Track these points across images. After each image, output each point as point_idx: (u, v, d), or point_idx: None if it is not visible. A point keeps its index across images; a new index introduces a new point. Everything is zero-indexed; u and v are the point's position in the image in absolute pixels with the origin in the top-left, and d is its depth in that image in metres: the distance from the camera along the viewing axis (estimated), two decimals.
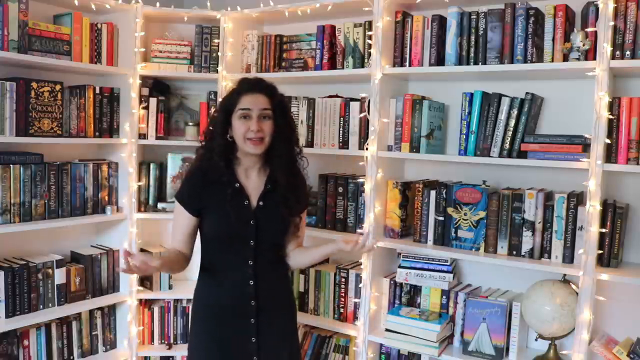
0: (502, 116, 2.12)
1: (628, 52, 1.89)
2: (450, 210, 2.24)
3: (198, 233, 1.93)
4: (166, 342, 2.88)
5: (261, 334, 1.87)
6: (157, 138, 2.82)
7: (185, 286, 2.87)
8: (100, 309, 2.75)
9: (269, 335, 1.88)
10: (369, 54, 2.39)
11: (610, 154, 1.93)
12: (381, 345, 2.44)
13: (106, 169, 2.72)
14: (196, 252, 1.95)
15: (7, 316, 2.36)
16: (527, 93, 2.13)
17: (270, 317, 1.89)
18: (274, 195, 1.88)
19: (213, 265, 1.90)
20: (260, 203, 1.88)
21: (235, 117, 1.84)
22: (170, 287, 2.86)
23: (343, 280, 2.52)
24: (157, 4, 2.75)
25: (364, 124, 2.43)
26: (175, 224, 1.92)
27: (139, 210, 2.79)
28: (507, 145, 2.12)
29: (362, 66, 2.46)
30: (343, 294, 2.52)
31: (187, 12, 2.80)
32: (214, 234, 1.88)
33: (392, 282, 2.42)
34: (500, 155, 2.13)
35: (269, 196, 1.89)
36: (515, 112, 2.11)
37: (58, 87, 2.43)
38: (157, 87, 2.89)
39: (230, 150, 1.87)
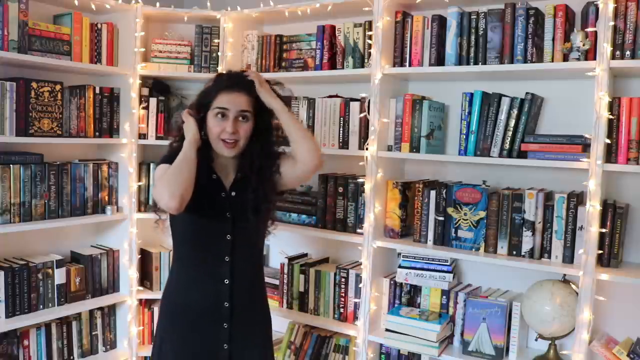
0: (502, 116, 2.12)
1: (628, 52, 1.89)
2: (450, 210, 2.24)
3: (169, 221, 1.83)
4: None
5: (234, 341, 1.79)
6: (157, 138, 2.82)
7: None
8: (100, 309, 2.75)
9: (242, 342, 1.80)
10: (369, 54, 2.39)
11: (610, 154, 1.93)
12: (381, 345, 2.44)
13: (106, 169, 2.72)
14: None
15: (7, 316, 2.36)
16: (527, 93, 2.13)
17: (243, 322, 1.81)
18: (245, 184, 1.80)
19: (186, 261, 1.80)
20: (233, 193, 1.81)
21: (211, 115, 1.75)
22: None
23: (343, 280, 2.52)
24: (157, 4, 2.75)
25: (364, 124, 2.43)
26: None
27: (139, 210, 2.79)
28: (507, 145, 2.12)
29: (362, 66, 2.46)
30: (343, 294, 2.52)
31: (187, 12, 2.80)
32: (189, 227, 1.80)
33: (392, 282, 2.42)
34: (500, 155, 2.13)
35: (241, 184, 1.81)
36: (515, 112, 2.11)
37: (58, 87, 2.43)
38: (157, 87, 2.89)
39: (205, 148, 1.78)
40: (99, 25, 2.64)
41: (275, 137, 1.87)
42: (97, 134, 2.65)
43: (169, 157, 1.76)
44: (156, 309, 2.85)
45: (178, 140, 1.83)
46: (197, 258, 1.79)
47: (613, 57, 1.90)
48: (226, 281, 1.78)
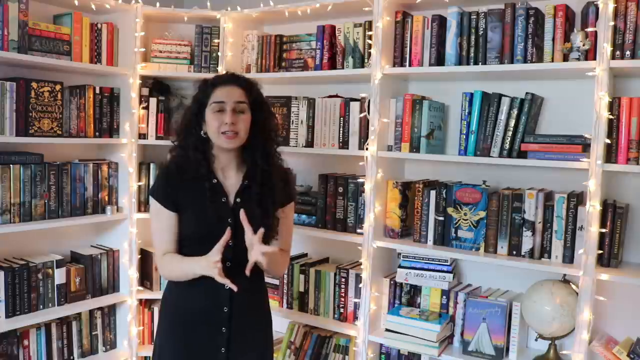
0: (502, 116, 2.12)
1: (628, 52, 1.89)
2: (450, 210, 2.24)
3: None
4: None
5: (232, 345, 1.78)
6: (157, 138, 2.82)
7: None
8: (100, 309, 2.75)
9: (240, 347, 1.79)
10: (369, 54, 2.39)
11: (610, 154, 1.93)
12: (381, 345, 2.44)
13: (106, 169, 2.72)
14: None
15: (7, 316, 2.36)
16: (527, 93, 2.13)
17: (243, 326, 1.80)
18: (253, 192, 1.80)
19: None
20: (238, 200, 1.80)
21: (209, 111, 1.76)
22: None
23: (343, 280, 2.52)
24: (157, 4, 2.75)
25: (364, 124, 2.43)
26: (159, 226, 1.80)
27: (139, 210, 2.79)
28: (507, 145, 2.12)
29: (362, 66, 2.46)
30: (343, 294, 2.52)
31: (187, 12, 2.80)
32: (190, 233, 1.79)
33: (392, 282, 2.42)
34: (500, 155, 2.13)
35: (247, 193, 1.80)
36: (515, 112, 2.11)
37: (58, 87, 2.43)
38: (157, 87, 2.89)
39: (205, 146, 1.79)
40: (99, 25, 2.64)
41: (275, 134, 1.89)
42: (97, 134, 2.65)
43: (162, 193, 1.80)
44: (156, 309, 2.85)
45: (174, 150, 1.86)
46: None
47: (613, 57, 1.90)
48: (226, 286, 1.75)
